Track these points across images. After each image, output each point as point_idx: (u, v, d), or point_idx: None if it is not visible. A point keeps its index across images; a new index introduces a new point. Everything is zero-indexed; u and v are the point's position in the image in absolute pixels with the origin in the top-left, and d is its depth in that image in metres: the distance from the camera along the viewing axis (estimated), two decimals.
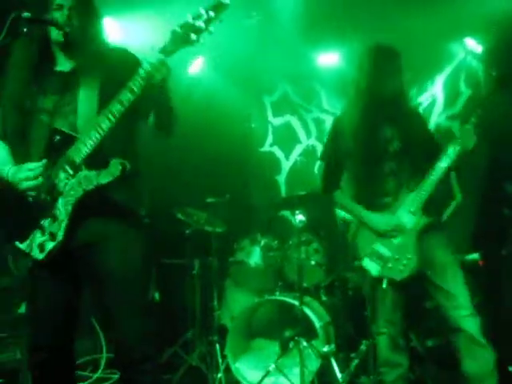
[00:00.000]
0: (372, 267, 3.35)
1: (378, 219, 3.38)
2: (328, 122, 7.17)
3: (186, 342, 5.62)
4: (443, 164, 3.30)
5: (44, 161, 2.55)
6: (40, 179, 2.54)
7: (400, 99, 3.50)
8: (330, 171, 3.66)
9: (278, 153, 7.45)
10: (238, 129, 7.33)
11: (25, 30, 2.53)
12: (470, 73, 6.37)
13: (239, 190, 6.71)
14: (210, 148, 6.69)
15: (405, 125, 3.45)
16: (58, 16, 2.64)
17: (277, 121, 7.50)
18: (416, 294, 3.94)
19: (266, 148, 7.52)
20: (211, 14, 2.24)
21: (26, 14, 2.51)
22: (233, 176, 6.91)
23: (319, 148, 7.21)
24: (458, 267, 3.37)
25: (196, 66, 6.72)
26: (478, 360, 3.17)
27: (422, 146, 3.45)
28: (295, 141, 7.39)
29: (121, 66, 2.50)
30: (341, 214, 5.80)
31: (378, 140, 3.43)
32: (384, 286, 3.30)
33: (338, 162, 3.59)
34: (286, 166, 7.40)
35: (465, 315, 3.22)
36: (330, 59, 6.90)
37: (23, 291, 2.82)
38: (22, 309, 4.53)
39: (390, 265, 3.30)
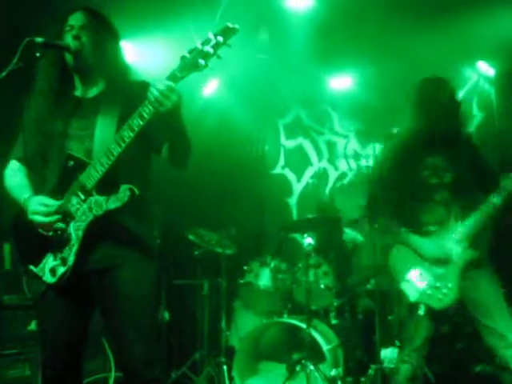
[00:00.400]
0: (410, 292, 3.26)
1: (427, 244, 3.30)
2: (340, 144, 7.24)
3: (194, 363, 5.61)
4: (496, 200, 3.23)
5: (59, 202, 2.58)
6: (50, 218, 2.57)
7: (455, 130, 3.44)
8: (377, 196, 3.57)
9: (290, 175, 7.49)
10: (252, 151, 7.40)
11: (38, 54, 2.56)
12: (482, 96, 6.40)
13: (250, 212, 6.72)
14: (222, 169, 6.73)
15: (459, 156, 3.38)
16: (70, 39, 2.69)
17: (289, 143, 7.56)
18: None
19: (278, 170, 7.57)
20: (219, 38, 2.24)
21: (38, 40, 2.54)
22: (244, 198, 6.93)
23: (331, 171, 7.26)
24: (505, 304, 3.27)
25: (210, 87, 6.79)
26: None
27: (475, 178, 3.38)
28: (307, 163, 7.44)
29: (140, 97, 2.47)
30: (350, 235, 5.82)
31: (431, 170, 3.38)
32: (421, 312, 3.21)
33: (385, 187, 3.50)
34: (298, 188, 7.44)
35: None
36: (342, 83, 6.98)
37: (34, 311, 2.84)
38: (32, 326, 4.56)
39: (429, 292, 3.22)
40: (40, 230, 2.61)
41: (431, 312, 3.24)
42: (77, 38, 2.68)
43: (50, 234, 2.59)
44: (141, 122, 2.42)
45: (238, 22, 2.29)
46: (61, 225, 2.57)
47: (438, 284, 3.22)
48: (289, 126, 7.58)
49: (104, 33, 2.78)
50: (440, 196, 3.35)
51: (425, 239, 3.33)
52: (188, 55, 2.31)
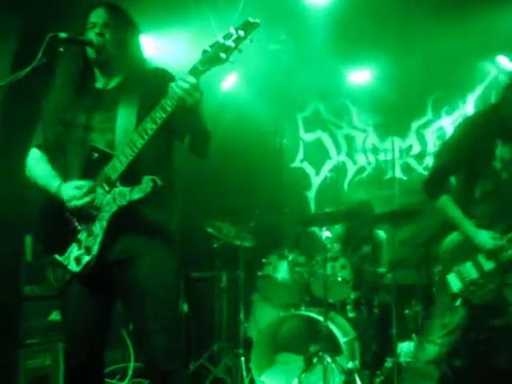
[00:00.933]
0: (455, 284, 3.32)
1: (486, 237, 3.29)
2: (358, 138, 7.26)
3: (212, 354, 5.68)
4: None
5: (91, 182, 2.63)
6: (84, 200, 2.62)
7: None
8: (443, 173, 3.48)
9: (309, 168, 7.53)
10: (270, 144, 7.44)
11: (61, 49, 2.59)
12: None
13: (269, 205, 6.76)
14: (242, 162, 6.77)
15: None
16: (93, 35, 2.73)
17: (308, 137, 7.60)
18: None
19: (297, 164, 7.61)
20: (241, 33, 2.28)
21: (62, 35, 2.58)
22: (264, 190, 6.97)
23: (349, 164, 7.30)
24: None
25: (229, 82, 6.81)
26: None
27: None
28: (326, 157, 7.47)
29: (160, 86, 2.54)
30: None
31: (503, 163, 3.30)
32: (457, 303, 3.30)
33: (456, 165, 3.44)
34: (316, 181, 7.47)
35: None
36: (361, 77, 6.99)
37: (59, 300, 2.89)
38: (53, 316, 4.63)
39: (472, 288, 3.28)
40: (76, 204, 2.63)
41: (468, 304, 3.29)
42: (100, 35, 2.73)
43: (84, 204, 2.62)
44: (163, 115, 2.46)
45: (258, 16, 2.32)
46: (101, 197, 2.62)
47: (482, 282, 3.26)
48: (307, 119, 7.61)
49: (125, 28, 2.83)
50: (507, 192, 3.31)
51: (482, 231, 3.30)
52: (209, 49, 2.35)
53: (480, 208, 3.35)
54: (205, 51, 2.37)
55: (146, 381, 5.15)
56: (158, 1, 4.94)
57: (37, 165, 2.85)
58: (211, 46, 2.35)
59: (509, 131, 3.29)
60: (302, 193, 7.48)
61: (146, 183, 2.52)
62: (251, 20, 2.30)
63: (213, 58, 2.35)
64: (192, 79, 2.41)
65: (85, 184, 2.63)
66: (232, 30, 2.30)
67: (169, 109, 2.45)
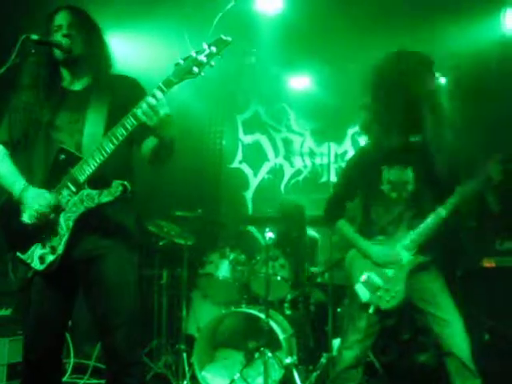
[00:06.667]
0: (362, 293, 3.49)
1: (378, 251, 3.49)
2: (296, 142, 7.48)
3: (151, 351, 5.73)
4: (442, 212, 3.41)
5: (53, 196, 2.70)
6: (49, 209, 2.69)
7: (426, 144, 3.46)
8: (339, 200, 3.71)
9: (247, 170, 7.72)
10: (210, 145, 7.55)
11: (32, 50, 2.70)
12: None
13: (209, 204, 6.87)
14: (182, 162, 6.80)
15: (419, 168, 3.48)
16: (60, 37, 2.81)
17: (247, 139, 7.78)
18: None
19: (236, 164, 7.78)
20: (213, 49, 2.43)
21: (33, 36, 2.69)
22: (204, 190, 7.07)
23: (286, 167, 7.51)
24: (450, 296, 3.49)
25: None
26: (467, 381, 3.31)
27: (432, 189, 3.50)
28: (264, 159, 7.68)
29: (129, 94, 2.66)
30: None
31: (391, 184, 3.51)
32: (371, 311, 3.45)
33: (350, 193, 3.68)
34: (254, 182, 7.66)
35: (458, 342, 3.36)
36: (300, 82, 7.21)
37: (20, 296, 2.94)
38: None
39: (379, 293, 3.45)
40: (27, 220, 2.70)
41: (379, 310, 3.47)
42: (67, 36, 2.81)
43: (34, 222, 2.69)
44: (134, 122, 2.57)
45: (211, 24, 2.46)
46: (52, 215, 2.70)
47: (387, 287, 3.45)
48: (247, 121, 7.81)
49: (90, 28, 2.92)
50: (398, 209, 3.52)
51: (374, 245, 3.52)
52: (182, 62, 2.47)
53: (376, 227, 3.57)
54: (178, 64, 2.48)
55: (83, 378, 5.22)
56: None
57: (1, 163, 2.88)
58: (184, 60, 2.47)
59: (393, 157, 3.50)
60: (240, 193, 7.66)
61: (116, 187, 2.62)
62: (223, 37, 2.45)
63: (186, 71, 2.47)
64: (159, 94, 2.53)
65: (50, 198, 2.69)
66: (205, 46, 2.44)
67: (140, 117, 2.55)
